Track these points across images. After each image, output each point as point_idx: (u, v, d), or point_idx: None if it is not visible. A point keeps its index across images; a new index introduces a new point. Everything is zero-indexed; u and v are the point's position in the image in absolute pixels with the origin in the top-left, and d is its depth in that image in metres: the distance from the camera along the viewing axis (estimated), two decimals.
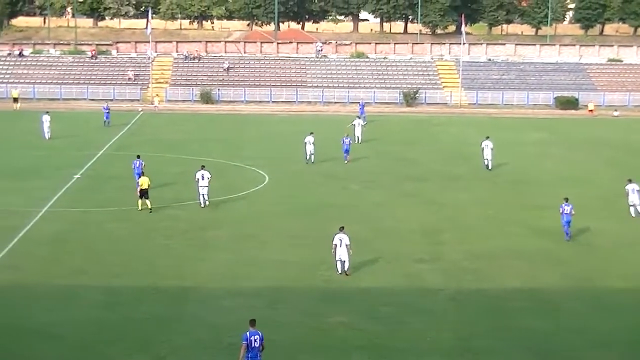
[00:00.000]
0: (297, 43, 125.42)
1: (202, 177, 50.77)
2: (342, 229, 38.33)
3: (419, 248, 43.09)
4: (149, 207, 49.48)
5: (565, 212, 44.98)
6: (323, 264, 39.75)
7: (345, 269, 38.22)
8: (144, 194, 49.68)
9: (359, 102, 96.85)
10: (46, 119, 78.13)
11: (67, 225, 46.61)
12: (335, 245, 37.94)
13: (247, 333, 26.49)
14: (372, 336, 31.40)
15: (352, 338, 31.17)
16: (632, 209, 50.38)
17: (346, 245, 37.78)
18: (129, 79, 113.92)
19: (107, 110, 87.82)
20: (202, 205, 50.91)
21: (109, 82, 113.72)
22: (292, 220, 48.42)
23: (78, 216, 48.78)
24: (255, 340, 26.35)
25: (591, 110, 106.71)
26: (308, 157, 66.30)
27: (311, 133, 67.49)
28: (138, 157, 56.01)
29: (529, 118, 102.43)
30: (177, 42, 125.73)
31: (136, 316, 32.97)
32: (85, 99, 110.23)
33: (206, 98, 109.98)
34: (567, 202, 45.21)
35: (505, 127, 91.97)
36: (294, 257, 41.14)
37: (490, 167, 64.40)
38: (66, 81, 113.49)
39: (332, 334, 31.58)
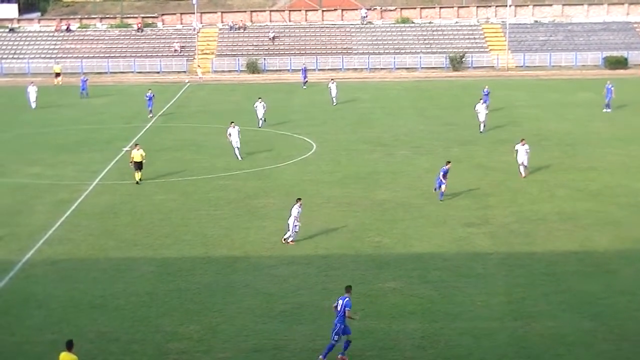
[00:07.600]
0: (342, 10, 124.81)
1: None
2: None
3: (468, 212, 42.99)
4: (137, 179, 50.14)
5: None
6: (371, 231, 39.88)
7: None
8: (137, 166, 50.23)
9: (302, 68, 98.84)
10: (32, 89, 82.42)
11: (118, 198, 47.08)
12: None
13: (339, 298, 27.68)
14: (423, 301, 31.45)
15: (403, 303, 31.23)
16: None
17: None
18: (175, 50, 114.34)
19: (85, 81, 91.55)
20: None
21: (156, 54, 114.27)
22: (341, 188, 48.47)
23: (128, 189, 49.24)
24: (338, 305, 27.25)
25: None
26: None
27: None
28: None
29: (577, 79, 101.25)
30: (222, 12, 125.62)
31: (188, 286, 33.27)
32: (132, 72, 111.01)
33: (252, 68, 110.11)
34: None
35: (554, 89, 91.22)
36: (343, 224, 41.24)
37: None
38: (113, 55, 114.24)
39: (383, 299, 31.67)
